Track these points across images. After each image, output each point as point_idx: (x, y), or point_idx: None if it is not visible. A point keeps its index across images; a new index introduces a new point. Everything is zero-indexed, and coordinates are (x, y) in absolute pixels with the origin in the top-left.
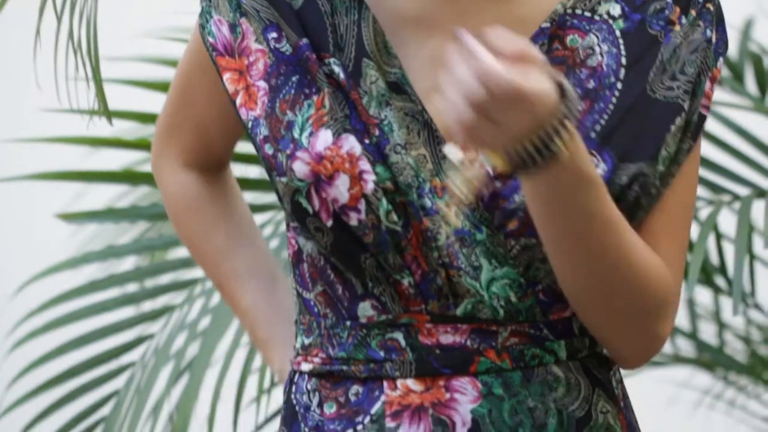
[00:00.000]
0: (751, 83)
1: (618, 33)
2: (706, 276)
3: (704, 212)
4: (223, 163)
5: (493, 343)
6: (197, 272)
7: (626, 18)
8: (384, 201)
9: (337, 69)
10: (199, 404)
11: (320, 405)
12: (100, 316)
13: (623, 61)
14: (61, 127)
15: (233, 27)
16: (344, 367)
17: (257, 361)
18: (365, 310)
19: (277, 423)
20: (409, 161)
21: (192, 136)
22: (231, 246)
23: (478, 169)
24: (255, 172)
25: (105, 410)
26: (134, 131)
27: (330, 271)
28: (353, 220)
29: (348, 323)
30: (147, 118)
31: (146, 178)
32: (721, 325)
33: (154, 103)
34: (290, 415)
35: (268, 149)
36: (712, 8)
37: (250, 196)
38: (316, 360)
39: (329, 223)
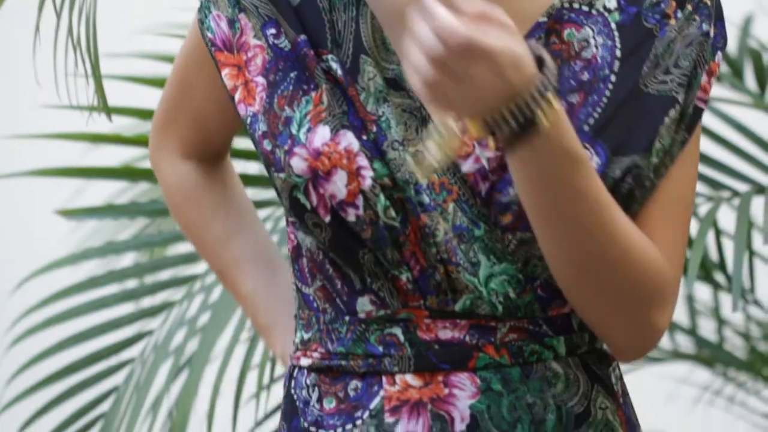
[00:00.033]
0: (750, 79)
1: (613, 25)
2: (706, 272)
3: (703, 208)
4: (221, 154)
5: (492, 339)
6: (197, 268)
7: (622, 11)
8: (382, 197)
9: (335, 65)
10: (198, 400)
11: (320, 400)
12: (99, 313)
13: (618, 53)
14: (61, 124)
15: (232, 22)
16: (343, 362)
17: (257, 357)
18: (364, 305)
19: (276, 419)
20: (406, 157)
21: (190, 128)
22: (230, 234)
23: (452, 135)
24: (254, 168)
25: (104, 406)
26: (134, 127)
27: (329, 266)
28: (351, 215)
29: (347, 318)
30: (146, 114)
31: (146, 175)
32: (721, 322)
33: (154, 99)
34: (290, 410)
35: (267, 145)
36: (709, 3)
37: (250, 192)
38: (315, 355)
39: (327, 218)
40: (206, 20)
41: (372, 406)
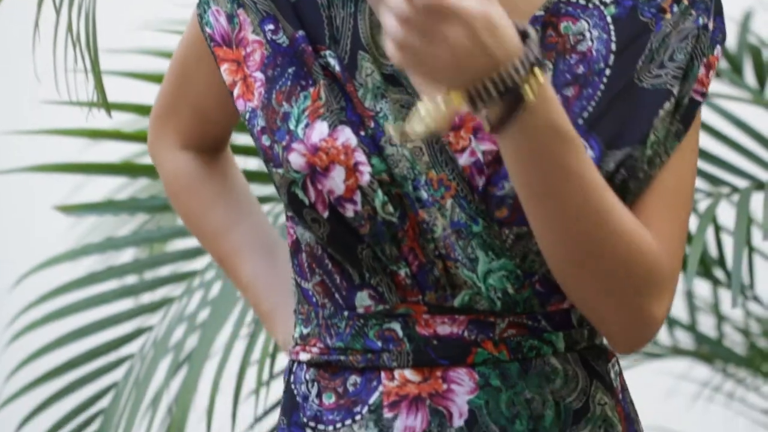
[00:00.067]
0: (749, 75)
1: (609, 19)
2: (705, 268)
3: (703, 204)
4: (221, 145)
5: (491, 335)
6: (196, 264)
7: (618, 4)
8: (380, 192)
9: (332, 61)
10: (198, 396)
11: (319, 395)
12: (98, 308)
13: (613, 47)
14: (60, 119)
15: (231, 18)
16: (342, 357)
17: (256, 353)
18: (363, 300)
19: (276, 415)
20: (404, 153)
21: (189, 120)
22: (230, 222)
23: (435, 107)
24: (254, 163)
25: (104, 402)
26: (133, 123)
27: (328, 261)
28: (349, 211)
29: (346, 313)
30: (146, 110)
31: (145, 170)
32: (720, 318)
33: (153, 95)
34: (290, 405)
35: (265, 140)
36: None
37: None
38: (315, 350)
39: (325, 214)
40: (205, 15)
41: (371, 401)
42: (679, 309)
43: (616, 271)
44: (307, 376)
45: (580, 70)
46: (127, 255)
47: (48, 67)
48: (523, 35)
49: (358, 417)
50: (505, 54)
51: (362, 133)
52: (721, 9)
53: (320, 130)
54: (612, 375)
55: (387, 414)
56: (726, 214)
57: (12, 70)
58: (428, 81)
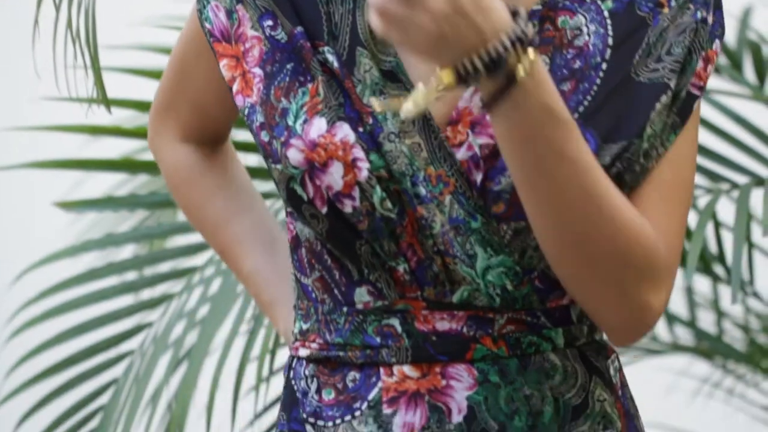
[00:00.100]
0: (749, 71)
1: (606, 13)
2: (705, 264)
3: (703, 201)
4: (221, 138)
5: (490, 331)
6: (196, 260)
7: None
8: (378, 188)
9: (331, 57)
10: (197, 392)
11: (318, 391)
12: (98, 305)
13: (610, 41)
14: (60, 116)
15: (230, 13)
16: (341, 353)
17: (256, 350)
18: (362, 295)
19: (275, 411)
20: (403, 149)
21: (189, 114)
22: (230, 213)
23: (426, 88)
24: (254, 160)
25: (104, 398)
26: (133, 119)
27: (327, 257)
28: (348, 207)
29: (345, 309)
30: (146, 106)
31: (145, 167)
32: (720, 314)
33: (153, 91)
34: (290, 401)
35: (264, 136)
36: None
37: None
38: (314, 345)
39: (324, 210)
40: (205, 11)
41: (370, 397)
42: (678, 305)
43: (611, 257)
44: (307, 372)
45: (577, 65)
46: (126, 251)
47: (48, 63)
48: (513, 13)
49: (357, 413)
50: (492, 29)
51: (360, 129)
52: (720, 3)
53: (319, 126)
54: (612, 371)
55: (386, 410)
56: (726, 211)
57: (12, 66)
58: (414, 53)
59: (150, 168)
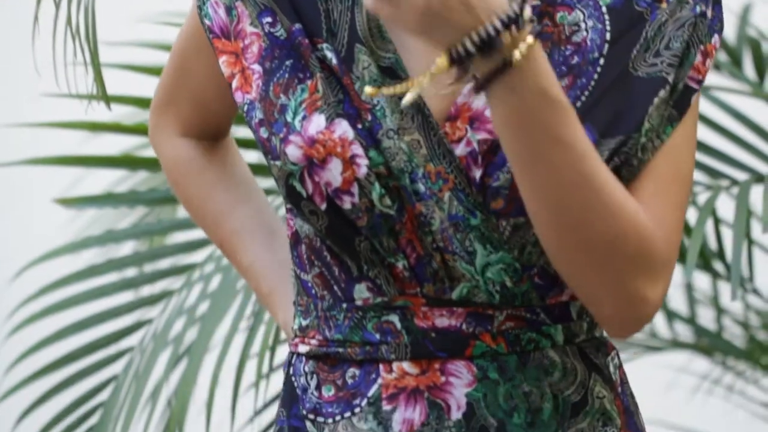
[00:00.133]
0: (749, 68)
1: (604, 9)
2: (705, 261)
3: (702, 197)
4: (221, 133)
5: (489, 327)
6: (196, 257)
7: None
8: (377, 185)
9: (329, 54)
10: (197, 389)
11: (318, 387)
12: (98, 301)
13: (608, 36)
14: (60, 112)
15: (229, 10)
16: (340, 350)
17: (256, 346)
18: (361, 292)
19: (275, 408)
20: (402, 146)
21: (190, 109)
22: (230, 206)
23: (422, 75)
24: (254, 156)
25: (103, 395)
26: (133, 116)
27: (326, 253)
28: (347, 203)
29: (344, 305)
30: (145, 103)
31: (145, 163)
32: (720, 311)
33: (153, 87)
34: (289, 397)
35: (263, 133)
36: None
37: None
38: (313, 342)
39: (323, 206)
40: (204, 7)
41: (370, 393)
42: (678, 302)
43: (607, 244)
44: (307, 369)
45: (575, 60)
46: (126, 248)
47: (48, 60)
48: None
49: (357, 410)
50: (486, 10)
51: (359, 125)
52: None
53: (317, 122)
54: (611, 368)
55: (386, 406)
56: (725, 207)
57: (12, 63)
58: (406, 30)
59: (150, 165)
